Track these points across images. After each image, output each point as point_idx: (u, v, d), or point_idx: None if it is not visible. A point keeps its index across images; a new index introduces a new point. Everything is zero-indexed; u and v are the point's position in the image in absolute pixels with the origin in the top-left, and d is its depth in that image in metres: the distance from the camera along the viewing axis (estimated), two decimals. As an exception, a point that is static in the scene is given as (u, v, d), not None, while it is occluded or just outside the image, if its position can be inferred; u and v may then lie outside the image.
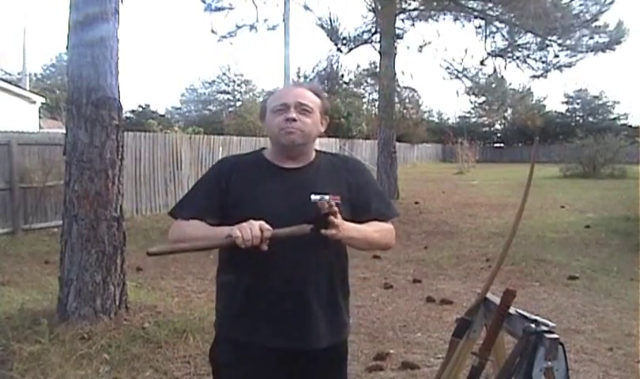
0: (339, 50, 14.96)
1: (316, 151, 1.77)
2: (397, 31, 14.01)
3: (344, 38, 14.58)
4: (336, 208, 1.51)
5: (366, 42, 14.65)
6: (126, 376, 3.25)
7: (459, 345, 1.87)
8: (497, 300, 1.76)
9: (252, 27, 13.85)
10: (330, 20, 14.19)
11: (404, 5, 14.23)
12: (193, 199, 1.73)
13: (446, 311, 4.68)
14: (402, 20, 14.49)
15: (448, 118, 42.62)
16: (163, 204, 11.06)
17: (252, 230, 1.44)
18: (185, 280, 5.80)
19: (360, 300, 5.02)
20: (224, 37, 14.17)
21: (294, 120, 1.64)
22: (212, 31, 13.90)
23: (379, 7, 13.66)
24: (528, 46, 13.85)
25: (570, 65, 13.61)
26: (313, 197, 1.62)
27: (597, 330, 4.18)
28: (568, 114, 38.36)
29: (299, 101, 1.67)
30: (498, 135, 40.43)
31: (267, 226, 1.46)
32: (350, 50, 14.87)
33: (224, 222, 1.61)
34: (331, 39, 14.52)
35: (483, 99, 17.32)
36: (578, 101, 37.98)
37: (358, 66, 32.97)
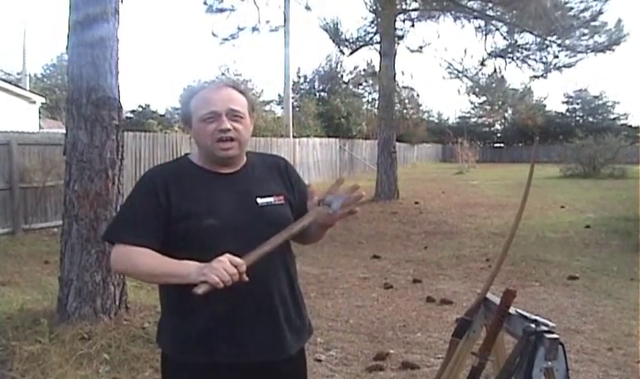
0: (341, 52, 15.00)
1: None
2: (398, 32, 14.02)
3: (347, 40, 14.60)
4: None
5: (368, 43, 14.67)
6: (126, 376, 3.25)
7: (459, 345, 1.87)
8: (497, 300, 1.76)
9: (254, 28, 13.91)
10: (333, 23, 14.22)
11: (404, 6, 14.24)
12: (136, 220, 1.53)
13: (445, 311, 4.68)
14: (402, 20, 14.49)
15: (448, 118, 42.61)
16: (163, 204, 11.07)
17: (226, 269, 1.34)
18: (185, 280, 5.78)
19: (360, 300, 5.02)
20: (227, 39, 14.23)
21: (228, 130, 1.53)
22: (214, 35, 13.97)
23: (379, 8, 13.66)
24: (527, 46, 13.85)
25: (569, 66, 13.61)
26: (260, 200, 1.58)
27: (597, 330, 4.18)
28: (568, 114, 38.33)
29: (231, 107, 1.55)
30: (498, 135, 40.42)
31: (236, 259, 1.36)
32: (352, 52, 14.90)
33: (168, 239, 1.50)
34: (334, 41, 14.56)
35: (483, 99, 17.32)
36: (578, 101, 37.96)
37: (355, 68, 33.06)
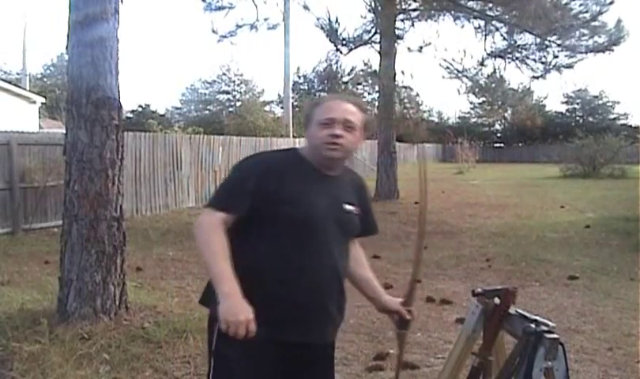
0: (339, 51, 14.96)
1: None
2: (397, 32, 14.00)
3: (344, 39, 14.57)
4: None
5: (366, 43, 14.64)
6: (126, 376, 3.25)
7: (459, 345, 1.87)
8: (497, 300, 1.76)
9: (252, 26, 13.88)
10: (329, 21, 14.17)
11: (404, 6, 14.23)
12: (241, 194, 1.70)
13: (445, 311, 4.69)
14: (402, 20, 14.49)
15: (448, 118, 42.56)
16: (163, 204, 11.06)
17: (239, 331, 1.53)
18: (185, 280, 5.79)
19: (360, 300, 5.01)
20: (225, 37, 14.19)
21: (339, 136, 1.72)
22: (213, 31, 13.92)
23: (379, 8, 13.66)
24: (527, 46, 13.85)
25: (569, 66, 13.62)
26: (346, 206, 1.79)
27: (597, 330, 4.18)
28: (568, 114, 38.29)
29: (346, 117, 1.74)
30: (498, 135, 40.37)
31: (252, 325, 1.54)
32: (350, 50, 14.86)
33: (270, 219, 1.67)
34: (330, 40, 14.51)
35: (483, 99, 17.31)
36: (578, 101, 37.90)
37: (352, 68, 33.06)
